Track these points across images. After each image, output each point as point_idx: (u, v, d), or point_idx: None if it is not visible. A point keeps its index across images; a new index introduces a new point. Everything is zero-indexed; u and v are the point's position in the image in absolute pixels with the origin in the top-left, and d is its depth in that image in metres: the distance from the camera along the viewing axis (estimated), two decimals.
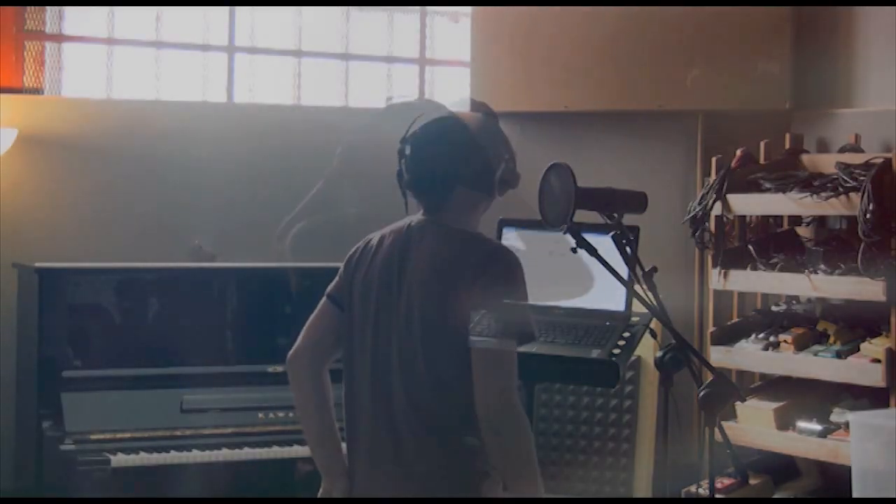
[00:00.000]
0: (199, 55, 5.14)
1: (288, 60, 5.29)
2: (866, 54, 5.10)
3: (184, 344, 4.34)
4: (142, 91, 5.04)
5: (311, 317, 2.93)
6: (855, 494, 4.01)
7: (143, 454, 4.00)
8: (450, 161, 2.79)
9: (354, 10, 5.38)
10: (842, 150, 4.89)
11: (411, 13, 5.47)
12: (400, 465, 2.76)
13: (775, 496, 4.62)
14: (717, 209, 4.82)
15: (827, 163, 4.67)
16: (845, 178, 4.38)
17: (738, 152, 4.89)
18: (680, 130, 5.37)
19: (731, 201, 4.79)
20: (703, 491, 4.06)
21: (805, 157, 4.89)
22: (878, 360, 4.26)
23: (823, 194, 4.43)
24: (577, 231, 2.79)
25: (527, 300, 2.73)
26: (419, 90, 5.47)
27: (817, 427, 4.44)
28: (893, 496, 3.85)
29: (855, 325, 4.53)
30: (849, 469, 4.05)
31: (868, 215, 4.23)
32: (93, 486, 3.90)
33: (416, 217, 2.85)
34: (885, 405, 4.25)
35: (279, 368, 4.21)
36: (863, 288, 4.31)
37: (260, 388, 4.29)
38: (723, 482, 4.41)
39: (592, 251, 2.78)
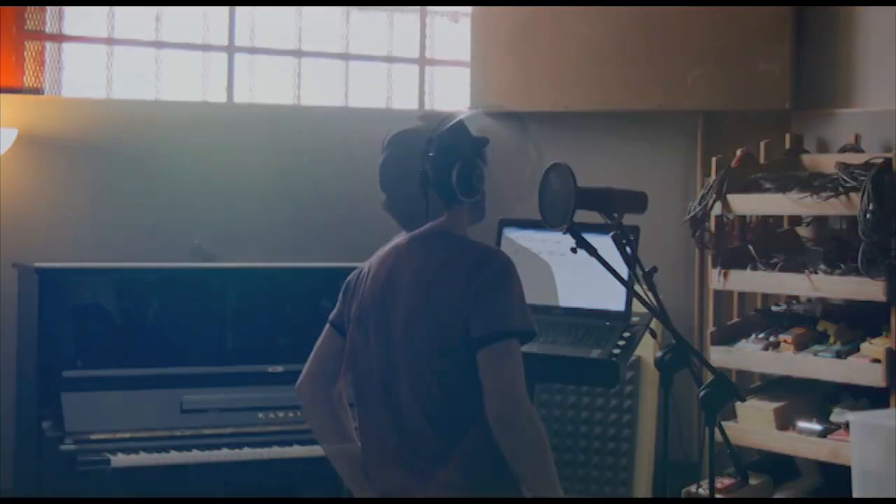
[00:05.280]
0: (199, 55, 5.14)
1: (288, 60, 5.29)
2: (866, 54, 5.10)
3: (184, 344, 4.34)
4: (142, 91, 5.04)
5: (316, 344, 2.95)
6: (855, 494, 4.01)
7: (143, 454, 4.00)
8: (413, 174, 2.74)
9: (354, 10, 5.38)
10: (842, 150, 4.89)
11: (411, 13, 5.47)
12: (418, 477, 2.73)
13: (775, 496, 4.62)
14: (717, 209, 4.81)
15: (827, 163, 4.67)
16: (845, 178, 4.38)
17: (738, 152, 4.89)
18: (680, 130, 5.36)
19: (731, 201, 4.78)
20: (703, 491, 4.05)
21: (805, 157, 4.89)
22: (878, 360, 4.26)
23: (823, 194, 4.42)
24: (577, 231, 2.79)
25: (523, 298, 2.72)
26: (419, 90, 5.47)
27: (817, 427, 4.43)
28: (893, 496, 3.85)
29: (855, 325, 4.52)
30: (849, 469, 4.05)
31: (868, 215, 4.23)
32: (93, 486, 3.90)
33: (401, 236, 2.84)
34: (885, 405, 4.25)
35: (279, 368, 4.23)
36: (863, 288, 4.31)
37: (260, 388, 4.29)
38: (723, 482, 4.41)
39: (592, 251, 2.78)
